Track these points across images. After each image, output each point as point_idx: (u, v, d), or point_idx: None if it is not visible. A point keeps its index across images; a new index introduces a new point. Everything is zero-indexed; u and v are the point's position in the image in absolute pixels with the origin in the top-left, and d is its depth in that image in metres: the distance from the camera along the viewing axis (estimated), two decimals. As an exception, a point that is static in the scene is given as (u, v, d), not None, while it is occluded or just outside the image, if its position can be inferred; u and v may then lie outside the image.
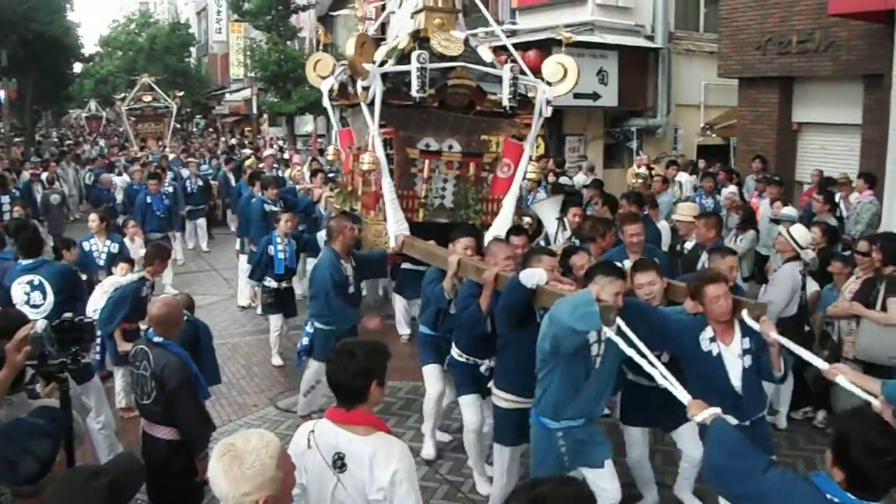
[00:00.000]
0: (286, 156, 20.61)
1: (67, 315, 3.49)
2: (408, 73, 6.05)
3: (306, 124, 30.36)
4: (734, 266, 5.13)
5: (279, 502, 2.31)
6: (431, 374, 5.79)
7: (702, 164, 13.93)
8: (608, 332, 3.84)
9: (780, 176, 11.60)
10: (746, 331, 4.23)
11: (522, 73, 6.57)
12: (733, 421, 3.92)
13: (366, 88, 6.10)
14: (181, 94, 28.81)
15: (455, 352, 5.33)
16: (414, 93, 6.04)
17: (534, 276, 4.26)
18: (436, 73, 6.20)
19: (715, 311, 4.17)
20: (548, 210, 7.41)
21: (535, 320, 4.36)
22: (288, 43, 25.73)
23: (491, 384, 4.86)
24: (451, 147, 6.62)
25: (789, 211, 8.97)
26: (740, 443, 2.93)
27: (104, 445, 5.64)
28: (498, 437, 4.78)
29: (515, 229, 6.06)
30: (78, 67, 37.49)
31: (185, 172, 15.14)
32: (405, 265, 7.01)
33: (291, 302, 8.53)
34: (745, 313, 4.19)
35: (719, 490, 3.14)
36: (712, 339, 4.23)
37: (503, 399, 4.66)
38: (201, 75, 42.08)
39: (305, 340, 6.31)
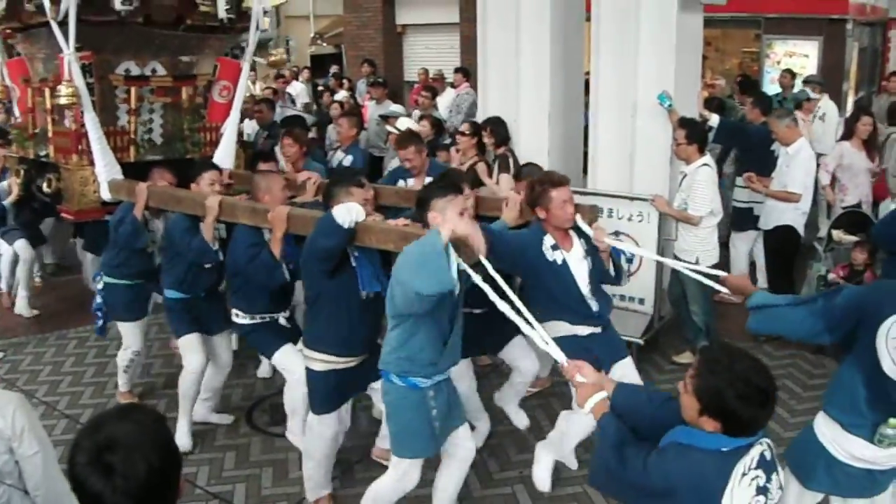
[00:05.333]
0: None
1: None
2: None
3: None
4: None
5: None
6: (189, 345, 4.81)
7: (305, 74, 13.54)
8: (474, 277, 3.23)
9: (388, 77, 11.64)
10: (579, 233, 4.04)
11: None
12: (587, 330, 3.93)
13: (55, 2, 4.97)
14: None
15: (246, 320, 4.46)
16: (119, 5, 5.10)
17: (350, 213, 3.60)
18: None
19: (561, 218, 3.89)
20: None
21: (351, 263, 3.79)
22: None
23: (301, 346, 4.12)
24: (154, 71, 5.69)
25: (396, 107, 9.07)
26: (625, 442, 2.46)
27: None
28: (314, 405, 4.00)
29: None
30: None
31: None
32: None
33: None
34: (578, 218, 3.98)
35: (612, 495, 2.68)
36: (555, 248, 3.93)
37: (318, 361, 3.90)
38: None
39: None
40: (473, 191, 4.56)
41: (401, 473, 3.60)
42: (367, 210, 3.79)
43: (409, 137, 5.61)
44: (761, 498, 2.21)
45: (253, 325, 4.44)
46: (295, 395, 4.45)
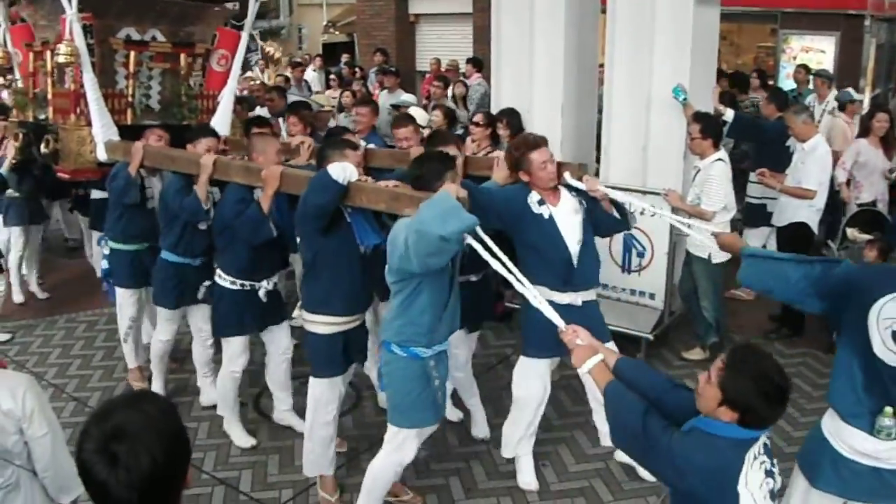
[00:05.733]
0: None
1: None
2: None
3: None
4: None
5: None
6: (164, 317, 5.04)
7: (318, 62, 13.50)
8: (469, 239, 3.25)
9: (400, 67, 11.62)
10: (572, 191, 4.08)
11: None
12: (565, 299, 3.90)
13: None
14: None
15: (226, 283, 4.44)
16: None
17: (345, 171, 3.66)
18: None
19: (543, 178, 3.94)
20: None
21: (346, 219, 3.82)
22: None
23: (299, 312, 4.26)
24: (154, 38, 5.75)
25: (408, 97, 9.02)
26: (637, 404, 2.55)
27: None
28: (319, 369, 4.00)
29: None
30: None
31: None
32: (96, 193, 6.13)
33: None
34: (567, 176, 4.07)
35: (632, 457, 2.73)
36: (541, 202, 3.98)
37: (323, 324, 3.92)
38: None
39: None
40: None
41: (397, 445, 3.61)
42: (359, 172, 3.85)
43: (405, 117, 5.59)
44: (770, 480, 2.33)
45: (232, 292, 4.40)
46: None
